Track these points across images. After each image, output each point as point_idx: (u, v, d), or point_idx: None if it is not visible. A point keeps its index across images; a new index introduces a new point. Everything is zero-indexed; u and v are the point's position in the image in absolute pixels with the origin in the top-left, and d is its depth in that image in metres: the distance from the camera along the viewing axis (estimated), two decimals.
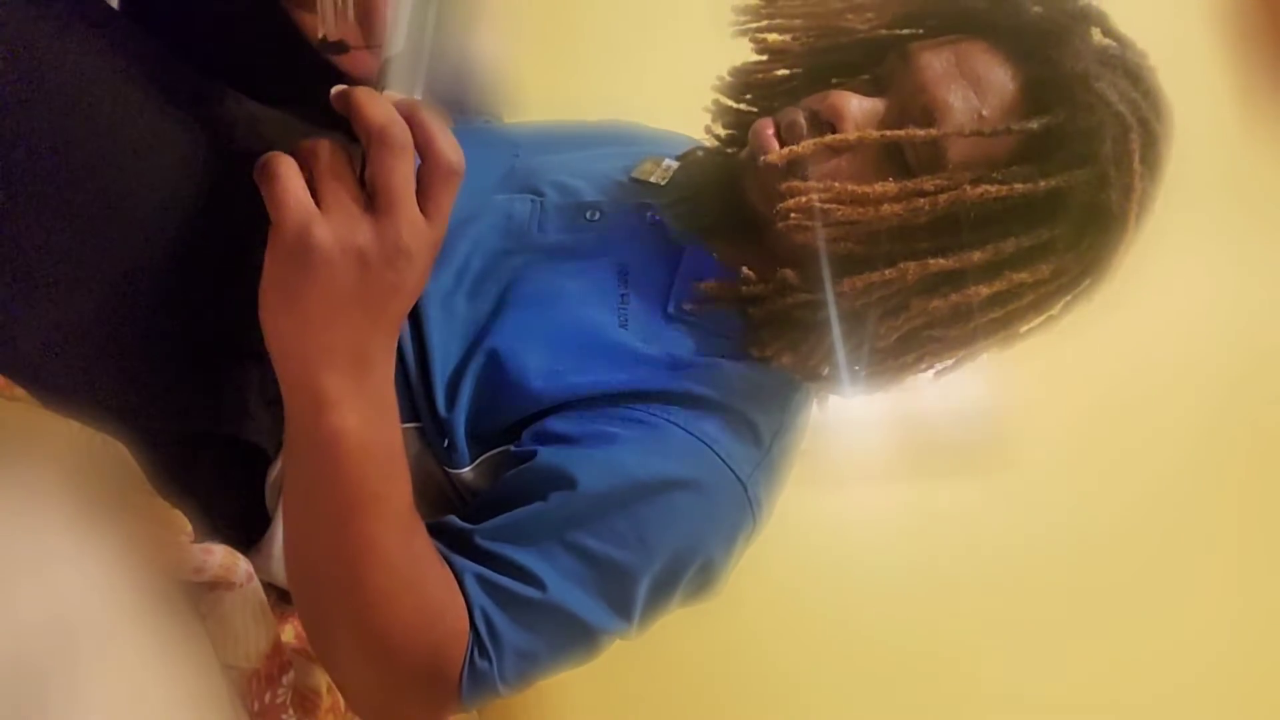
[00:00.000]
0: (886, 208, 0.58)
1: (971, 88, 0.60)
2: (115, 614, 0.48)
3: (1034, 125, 0.58)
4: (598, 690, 1.35)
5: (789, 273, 0.62)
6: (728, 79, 0.72)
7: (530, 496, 0.57)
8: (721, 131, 0.74)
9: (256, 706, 0.62)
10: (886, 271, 0.58)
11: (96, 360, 0.53)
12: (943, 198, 0.58)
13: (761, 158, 0.62)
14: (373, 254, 0.45)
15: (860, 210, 0.59)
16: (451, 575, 0.54)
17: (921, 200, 0.58)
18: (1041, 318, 0.63)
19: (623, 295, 0.64)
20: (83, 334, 0.51)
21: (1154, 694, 1.39)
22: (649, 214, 0.70)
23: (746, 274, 0.63)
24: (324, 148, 0.45)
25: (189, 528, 0.57)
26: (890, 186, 0.59)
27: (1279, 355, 1.54)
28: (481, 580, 0.54)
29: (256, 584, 0.62)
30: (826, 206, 0.59)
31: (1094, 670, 1.41)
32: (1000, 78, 0.61)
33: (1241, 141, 1.64)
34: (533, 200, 0.70)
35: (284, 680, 0.64)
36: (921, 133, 0.59)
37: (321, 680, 0.69)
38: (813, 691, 1.40)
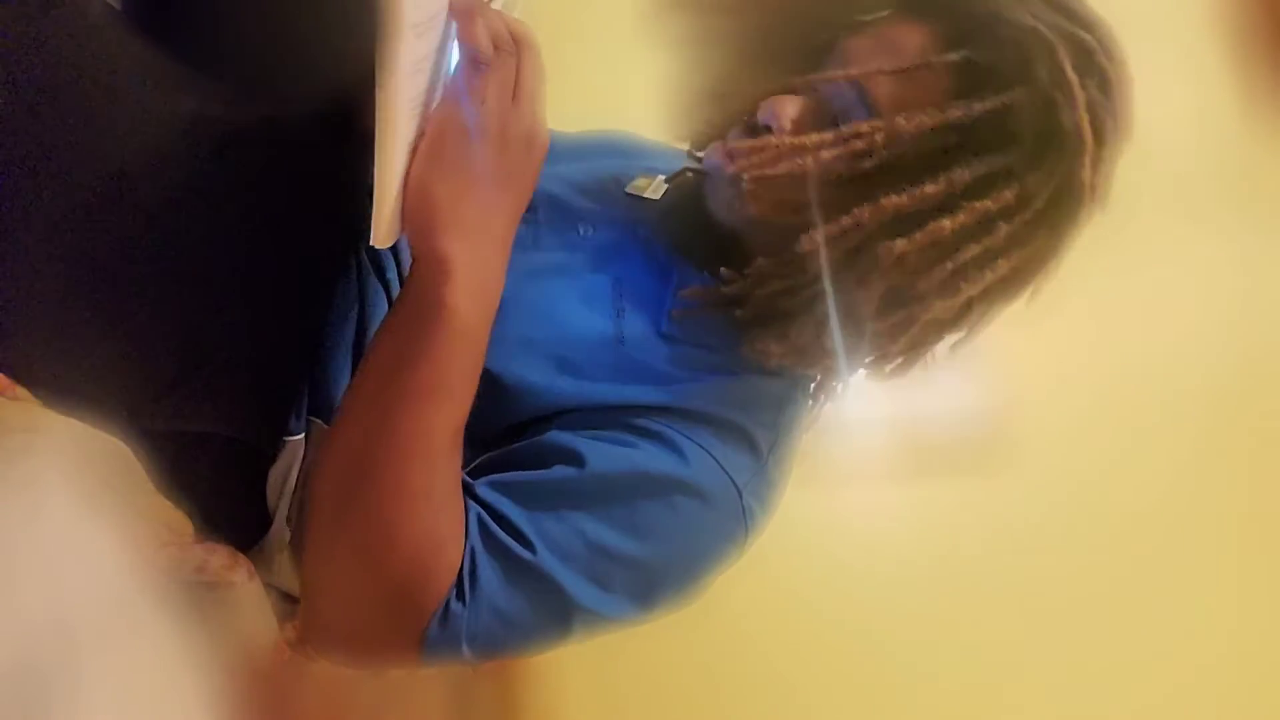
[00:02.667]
0: (825, 153, 0.58)
1: (889, 48, 0.61)
2: (117, 614, 0.48)
3: (954, 57, 0.58)
4: (594, 688, 1.36)
5: (763, 261, 0.63)
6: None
7: (535, 465, 0.57)
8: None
9: (257, 706, 0.62)
10: (843, 220, 0.58)
11: (97, 360, 0.53)
12: (879, 135, 0.58)
13: (705, 161, 0.66)
14: (513, 137, 0.53)
15: (801, 162, 0.59)
16: (463, 512, 0.54)
17: (858, 141, 0.58)
18: (1028, 254, 0.60)
19: (619, 310, 0.64)
20: (81, 332, 0.51)
21: (1158, 691, 1.39)
22: (640, 231, 0.70)
23: (726, 273, 0.64)
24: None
25: (191, 528, 0.58)
26: (826, 135, 0.59)
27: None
28: (482, 524, 0.54)
29: (258, 583, 0.62)
30: (768, 172, 0.60)
31: (1097, 668, 1.41)
32: (918, 36, 0.61)
33: (1245, 139, 1.65)
34: (526, 218, 0.70)
35: (284, 680, 0.65)
36: (840, 73, 0.60)
37: (321, 680, 0.69)
38: (810, 690, 1.40)
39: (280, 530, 0.63)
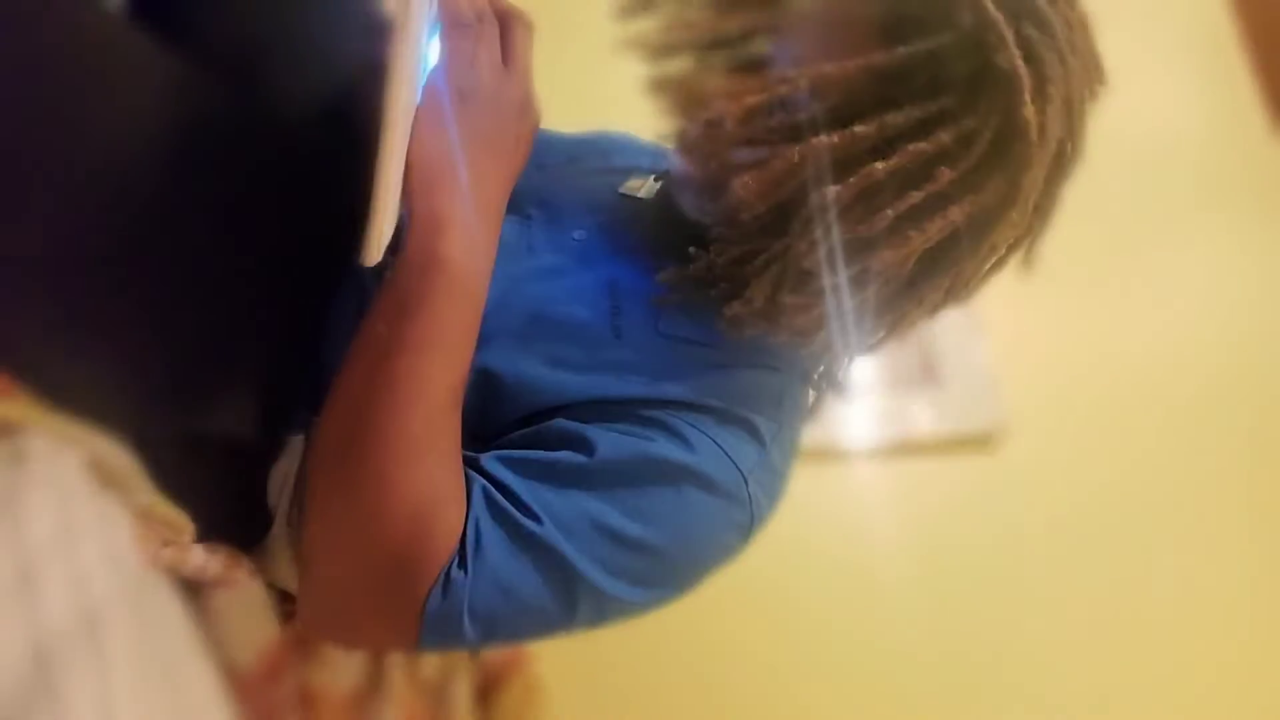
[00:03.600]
0: (751, 99, 0.58)
1: (819, 6, 0.62)
2: (116, 615, 0.48)
3: (876, 8, 0.58)
4: (585, 682, 1.36)
5: (720, 230, 0.63)
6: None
7: (542, 447, 0.57)
8: None
9: (258, 706, 0.62)
10: (774, 162, 0.57)
11: (97, 360, 0.52)
12: (802, 81, 0.57)
13: (669, 161, 0.68)
14: (505, 104, 0.55)
15: (725, 106, 0.58)
16: (463, 476, 0.54)
17: (783, 86, 0.57)
18: (982, 201, 0.57)
19: (614, 308, 0.64)
20: (80, 332, 0.51)
21: (1155, 679, 1.40)
22: (633, 231, 0.70)
23: (694, 252, 0.64)
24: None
25: (191, 527, 0.57)
26: (753, 81, 0.59)
27: None
28: (487, 495, 0.54)
29: (259, 583, 0.62)
30: (699, 119, 0.61)
31: (1095, 663, 1.42)
32: None
33: (1261, 137, 1.68)
34: (520, 222, 0.70)
35: (286, 680, 0.64)
36: (763, 23, 0.62)
37: (322, 680, 0.69)
38: (806, 686, 1.41)
39: (281, 530, 0.63)
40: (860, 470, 1.51)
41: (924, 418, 1.52)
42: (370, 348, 0.54)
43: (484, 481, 0.55)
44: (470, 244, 0.54)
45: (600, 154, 0.86)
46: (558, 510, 0.55)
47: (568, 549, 0.54)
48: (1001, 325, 1.57)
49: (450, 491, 0.53)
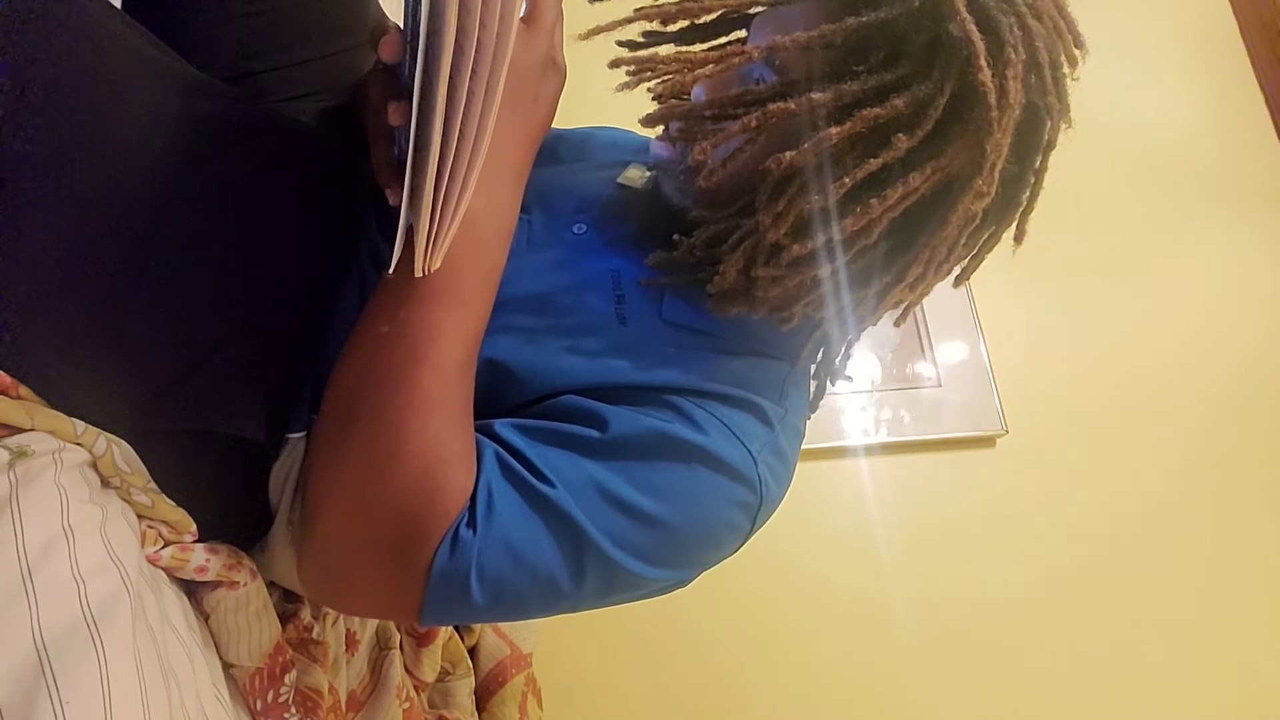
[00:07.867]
0: (708, 70, 0.59)
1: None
2: (116, 613, 0.48)
3: None
4: (584, 683, 1.36)
5: (700, 212, 0.64)
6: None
7: (556, 419, 0.57)
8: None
9: (259, 705, 0.62)
10: (731, 127, 0.57)
11: (101, 358, 0.52)
12: (756, 52, 0.57)
13: (651, 153, 0.69)
14: (527, 62, 0.54)
15: (682, 78, 0.59)
16: (474, 437, 0.54)
17: (736, 58, 0.58)
18: (944, 167, 0.56)
19: (618, 297, 0.64)
20: (85, 330, 0.51)
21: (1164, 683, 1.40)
22: (632, 222, 0.70)
23: (677, 237, 0.64)
24: None
25: (193, 526, 0.57)
26: (711, 54, 0.59)
27: None
28: (500, 458, 0.54)
29: (260, 583, 0.62)
30: (669, 84, 0.62)
31: (1094, 666, 1.42)
32: None
33: (1269, 143, 1.69)
34: (520, 219, 0.70)
35: (286, 679, 0.64)
36: (721, 3, 0.62)
37: (323, 680, 0.69)
38: (806, 686, 1.41)
39: (282, 528, 0.63)
40: (860, 470, 1.51)
41: (924, 418, 1.52)
42: (386, 300, 0.54)
43: (496, 446, 0.55)
44: (486, 200, 0.53)
45: (595, 149, 0.86)
46: (569, 477, 0.54)
47: (578, 514, 0.53)
48: (1002, 325, 1.57)
49: (460, 451, 0.53)
